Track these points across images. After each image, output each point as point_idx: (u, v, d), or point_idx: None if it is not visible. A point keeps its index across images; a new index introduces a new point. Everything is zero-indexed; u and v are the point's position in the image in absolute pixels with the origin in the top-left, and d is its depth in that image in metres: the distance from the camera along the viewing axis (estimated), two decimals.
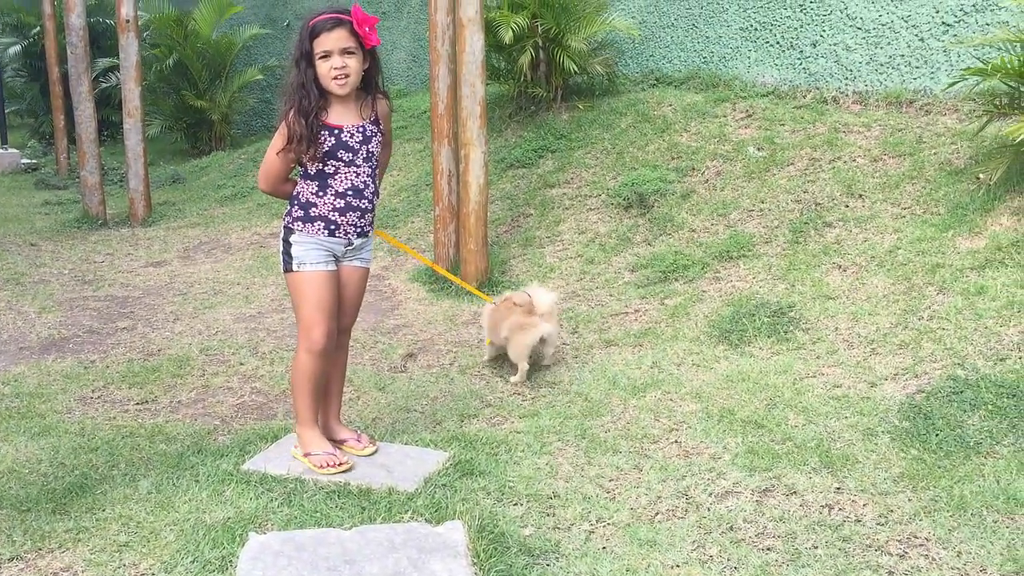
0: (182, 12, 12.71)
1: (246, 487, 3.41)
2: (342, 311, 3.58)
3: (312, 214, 3.42)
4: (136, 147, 8.87)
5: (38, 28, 13.50)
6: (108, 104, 12.95)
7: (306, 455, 3.54)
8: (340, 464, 3.49)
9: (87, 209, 8.99)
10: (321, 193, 3.40)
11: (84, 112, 8.85)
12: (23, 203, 10.32)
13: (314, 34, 3.29)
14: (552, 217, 7.04)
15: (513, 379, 4.69)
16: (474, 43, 5.93)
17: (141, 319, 5.93)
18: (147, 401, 4.54)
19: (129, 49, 8.67)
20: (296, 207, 3.44)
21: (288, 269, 3.46)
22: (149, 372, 4.90)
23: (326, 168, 3.38)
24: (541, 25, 8.03)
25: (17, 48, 14.41)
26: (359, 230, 3.50)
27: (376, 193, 3.54)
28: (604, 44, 8.70)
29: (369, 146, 3.44)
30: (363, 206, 3.47)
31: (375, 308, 6.07)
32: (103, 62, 12.59)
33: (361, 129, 3.41)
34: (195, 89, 12.36)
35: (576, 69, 8.04)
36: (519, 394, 4.53)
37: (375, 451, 3.67)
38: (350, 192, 3.41)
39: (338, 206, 3.41)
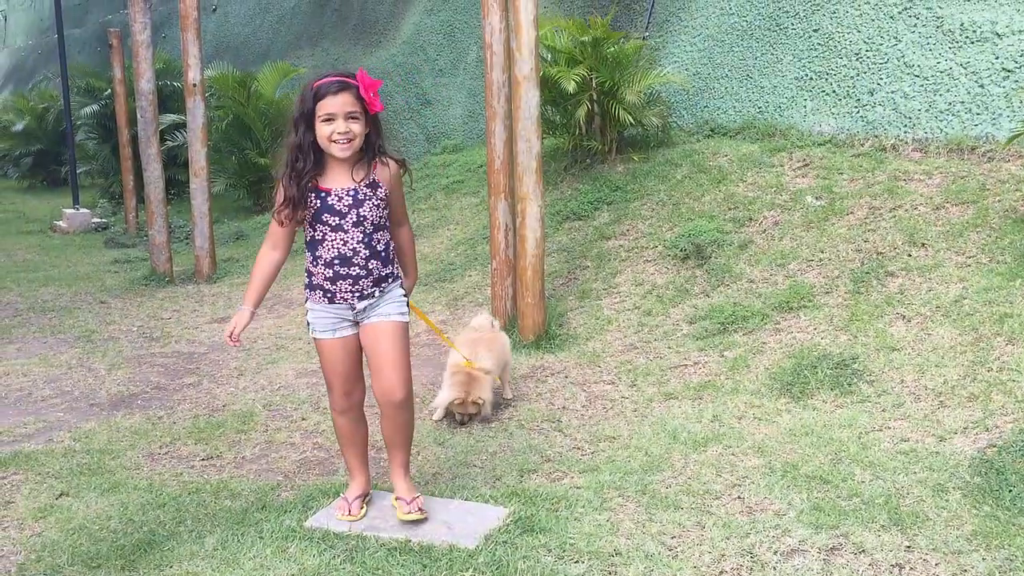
0: (245, 73, 13.12)
1: (309, 544, 3.44)
2: (376, 370, 3.50)
3: (313, 282, 3.50)
4: (202, 206, 9.11)
5: (108, 91, 14.01)
6: (174, 163, 13.35)
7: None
8: (348, 513, 3.64)
9: (155, 267, 9.23)
10: (315, 262, 3.45)
11: (153, 173, 9.13)
12: (93, 261, 10.64)
13: (318, 96, 3.28)
14: (609, 269, 7.05)
15: (510, 395, 5.25)
16: (529, 100, 6.01)
17: (206, 375, 6.05)
18: (212, 457, 4.61)
19: (196, 112, 8.95)
20: (305, 275, 3.55)
21: (311, 334, 3.61)
22: (214, 428, 4.99)
23: (315, 234, 3.41)
24: (596, 79, 8.12)
25: (91, 111, 14.97)
26: (358, 294, 3.45)
27: (378, 255, 3.44)
28: (658, 96, 8.76)
29: (360, 209, 3.36)
30: (354, 273, 3.41)
31: (433, 362, 6.11)
32: (169, 118, 13.00)
33: (351, 192, 3.36)
34: (257, 147, 12.69)
35: (631, 121, 8.11)
36: (578, 448, 4.51)
37: (417, 519, 3.57)
38: (336, 261, 3.40)
39: (328, 275, 3.43)
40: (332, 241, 3.39)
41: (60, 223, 13.39)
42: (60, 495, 4.10)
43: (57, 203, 15.72)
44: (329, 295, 3.47)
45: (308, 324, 3.58)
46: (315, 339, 3.56)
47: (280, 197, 3.38)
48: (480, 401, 4.81)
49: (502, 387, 5.24)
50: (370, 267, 3.44)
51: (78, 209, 13.74)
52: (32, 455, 4.59)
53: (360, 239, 3.40)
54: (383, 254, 3.49)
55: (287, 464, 4.50)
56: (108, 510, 3.91)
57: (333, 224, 3.38)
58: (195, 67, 8.87)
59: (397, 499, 3.68)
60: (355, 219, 3.38)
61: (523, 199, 6.12)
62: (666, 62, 9.15)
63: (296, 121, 3.35)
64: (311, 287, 3.52)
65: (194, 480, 4.29)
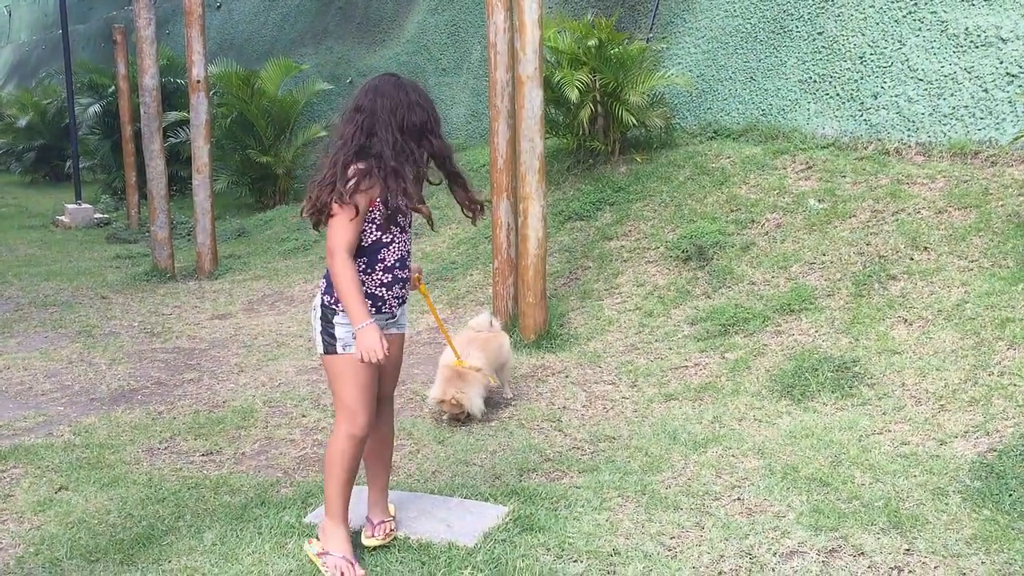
0: (249, 71, 13.12)
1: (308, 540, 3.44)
2: (384, 379, 3.38)
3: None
4: (204, 202, 9.12)
5: (113, 88, 14.01)
6: (177, 159, 13.35)
7: (322, 554, 3.25)
8: (354, 575, 3.18)
9: (156, 263, 9.24)
10: (370, 270, 3.17)
11: (155, 169, 9.14)
12: (95, 257, 10.64)
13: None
14: (610, 270, 7.04)
15: (509, 394, 5.26)
16: (533, 99, 6.01)
17: (207, 371, 6.05)
18: (212, 452, 4.61)
19: (199, 108, 8.96)
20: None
21: (330, 351, 3.18)
22: (214, 423, 4.99)
23: (384, 237, 3.17)
24: (600, 80, 8.12)
25: (95, 108, 14.98)
26: (401, 299, 3.33)
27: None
28: (661, 98, 8.75)
29: (411, 213, 3.28)
30: (404, 276, 3.29)
31: (434, 360, 6.10)
32: (172, 116, 13.00)
33: None
34: (260, 145, 12.69)
35: (634, 122, 8.11)
36: (578, 448, 4.51)
37: (379, 544, 3.40)
38: (397, 265, 3.22)
39: (385, 280, 3.21)
40: (399, 243, 3.22)
41: (62, 218, 13.39)
42: (59, 489, 4.10)
43: (59, 198, 15.73)
44: (379, 304, 3.23)
45: (333, 341, 3.17)
46: (345, 355, 3.16)
47: (363, 201, 3.06)
48: (455, 401, 4.74)
49: (501, 387, 5.21)
50: (412, 268, 3.39)
51: (80, 204, 13.74)
52: (32, 449, 4.59)
53: (409, 239, 3.32)
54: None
55: (287, 460, 4.50)
56: (107, 504, 3.91)
57: (402, 225, 3.22)
58: (199, 63, 8.88)
59: (380, 522, 3.48)
60: (410, 221, 3.29)
61: (525, 199, 6.12)
62: (670, 64, 9.15)
63: (413, 129, 3.15)
64: None
65: (193, 475, 4.29)
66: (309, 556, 3.31)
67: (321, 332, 3.22)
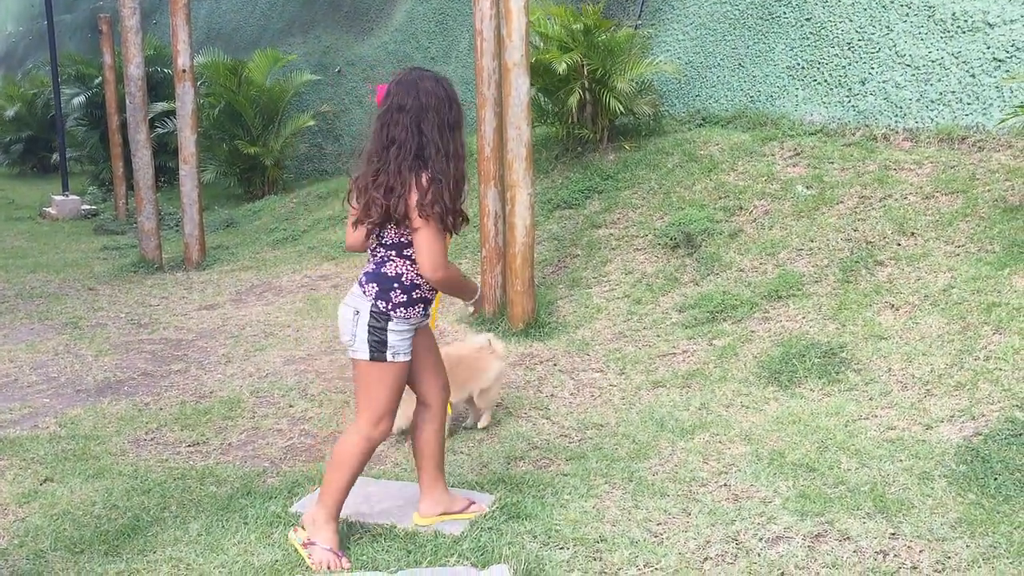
0: (236, 60, 13.05)
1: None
2: (436, 369, 3.42)
3: (415, 296, 3.17)
4: (191, 193, 9.07)
5: (99, 78, 13.93)
6: (164, 150, 13.29)
7: (308, 544, 3.22)
8: (340, 567, 3.16)
9: (144, 254, 9.19)
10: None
11: (142, 159, 9.08)
12: (82, 248, 10.59)
13: None
14: (599, 258, 7.04)
15: (483, 424, 4.62)
16: (519, 86, 5.99)
17: (194, 362, 6.03)
18: (198, 443, 4.60)
19: (185, 98, 8.90)
20: (399, 291, 3.13)
21: (379, 358, 3.14)
22: (201, 414, 4.97)
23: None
24: (588, 67, 8.09)
25: (81, 99, 14.89)
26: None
27: None
28: (649, 85, 8.73)
29: None
30: None
31: None
32: (159, 106, 12.93)
33: None
34: (248, 135, 12.63)
35: (622, 110, 8.08)
36: (566, 436, 4.51)
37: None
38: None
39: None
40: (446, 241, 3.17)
41: (49, 210, 13.33)
42: (44, 481, 4.08)
43: (47, 189, 15.65)
44: (427, 306, 3.25)
45: (383, 348, 3.14)
46: (394, 363, 3.16)
47: (440, 209, 3.04)
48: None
49: (474, 412, 4.70)
50: None
51: (67, 196, 13.68)
52: (17, 441, 4.57)
53: None
54: None
55: (273, 450, 4.49)
56: (92, 496, 3.90)
57: (448, 226, 3.15)
58: (184, 52, 8.82)
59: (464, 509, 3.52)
60: None
61: (513, 187, 6.10)
62: (658, 51, 9.12)
63: (453, 127, 3.13)
64: (412, 303, 3.17)
65: (179, 466, 4.27)
66: (294, 545, 3.29)
67: (368, 338, 3.13)
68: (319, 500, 3.28)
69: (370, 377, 3.18)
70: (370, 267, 3.20)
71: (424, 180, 3.03)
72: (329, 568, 3.14)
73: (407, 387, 3.35)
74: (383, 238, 3.15)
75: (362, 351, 3.15)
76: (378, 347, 3.14)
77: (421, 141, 3.06)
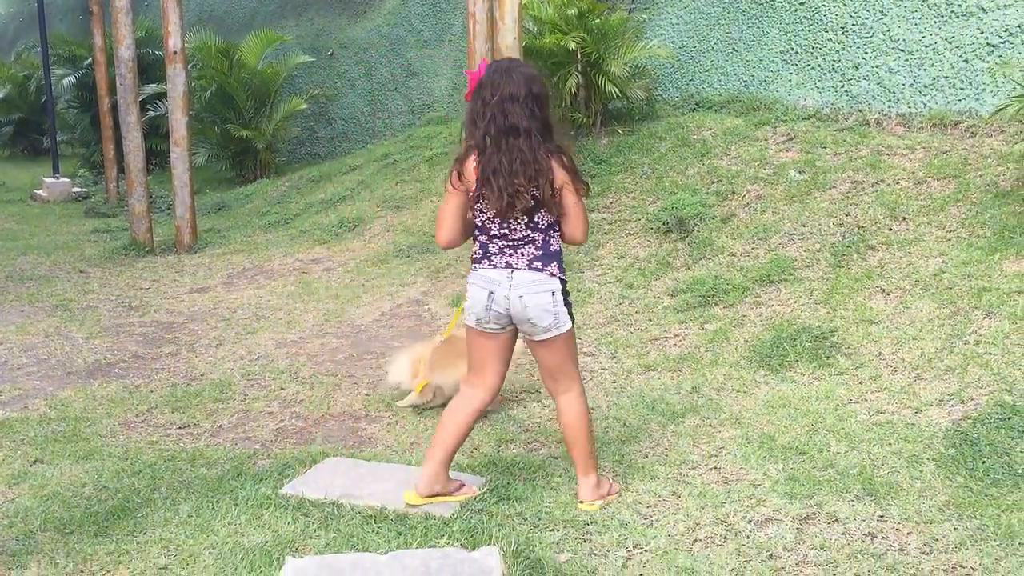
0: (228, 43, 12.97)
1: (284, 511, 3.44)
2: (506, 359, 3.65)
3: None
4: (183, 175, 9.03)
5: (89, 60, 13.84)
6: (156, 133, 13.23)
7: (607, 495, 3.56)
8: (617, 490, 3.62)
9: (135, 236, 9.16)
10: None
11: (132, 142, 9.04)
12: (73, 231, 10.54)
13: None
14: (591, 242, 7.03)
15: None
16: None
17: (185, 344, 6.02)
18: (189, 425, 4.59)
19: (176, 80, 8.85)
20: (561, 262, 3.43)
21: (572, 321, 3.47)
22: (191, 396, 4.96)
23: None
24: (582, 50, 8.07)
25: (71, 79, 14.78)
26: None
27: None
28: (643, 69, 8.71)
29: None
30: None
31: (415, 333, 6.09)
32: (150, 88, 12.86)
33: None
34: (240, 118, 12.57)
35: (616, 94, 8.06)
36: (557, 419, 4.50)
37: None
38: None
39: None
40: None
41: (40, 192, 13.26)
42: (34, 462, 4.08)
43: (37, 172, 15.57)
44: None
45: (571, 312, 3.46)
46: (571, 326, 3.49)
47: (584, 180, 3.43)
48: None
49: (431, 399, 4.68)
50: None
51: (58, 178, 13.61)
52: (6, 422, 4.56)
53: None
54: None
55: (264, 433, 4.49)
56: (82, 477, 3.89)
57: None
58: (175, 33, 8.77)
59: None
60: None
61: None
62: (652, 35, 9.09)
63: (550, 104, 3.39)
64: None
65: (170, 448, 4.27)
66: (594, 509, 3.47)
67: (567, 310, 3.42)
68: (588, 472, 3.54)
69: (571, 342, 3.48)
70: (531, 250, 3.36)
71: (564, 159, 3.31)
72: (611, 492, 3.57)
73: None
74: (537, 223, 3.35)
75: (565, 323, 3.42)
76: (570, 313, 3.45)
77: (543, 124, 3.28)
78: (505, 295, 3.35)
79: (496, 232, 3.37)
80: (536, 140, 3.24)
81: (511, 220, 3.33)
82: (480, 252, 3.44)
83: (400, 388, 4.75)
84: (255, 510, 3.46)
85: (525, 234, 3.35)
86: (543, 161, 3.23)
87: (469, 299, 3.46)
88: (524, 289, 3.34)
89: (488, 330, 3.45)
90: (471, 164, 3.31)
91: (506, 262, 3.36)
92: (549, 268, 3.37)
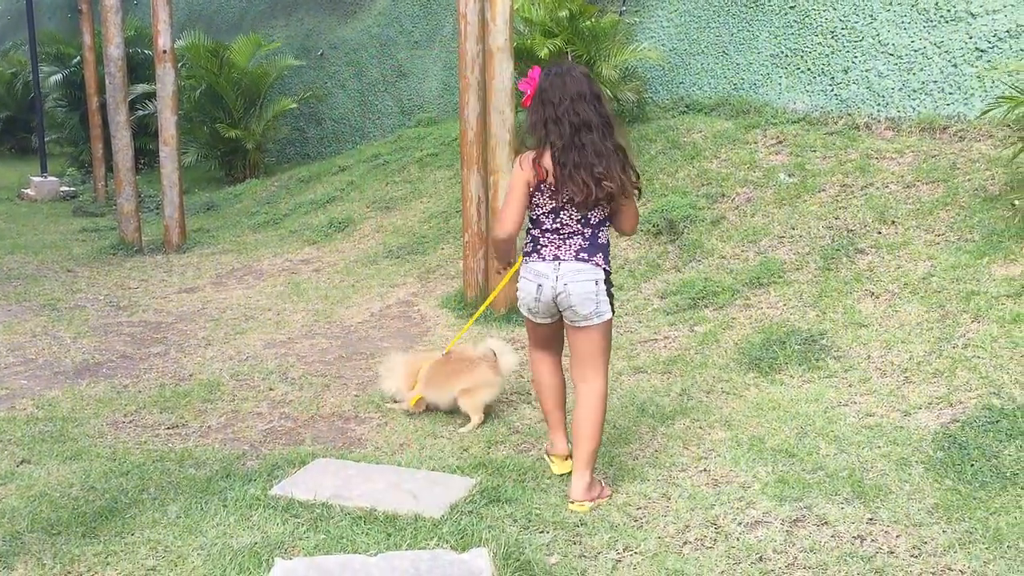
0: (217, 42, 12.92)
1: (273, 512, 3.43)
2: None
3: None
4: (171, 175, 9.00)
5: (78, 58, 13.78)
6: (145, 132, 13.17)
7: (597, 497, 3.58)
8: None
9: (123, 236, 9.11)
10: None
11: (121, 141, 9.00)
12: (61, 230, 10.49)
13: None
14: None
15: (465, 429, 4.44)
16: (503, 71, 5.96)
17: (173, 344, 5.99)
18: (177, 426, 4.57)
19: (166, 79, 8.82)
20: (607, 254, 3.62)
21: (612, 311, 3.62)
22: (180, 397, 4.94)
23: None
24: (572, 52, 8.07)
25: (59, 78, 14.70)
26: None
27: None
28: (634, 71, 8.72)
29: None
30: None
31: (404, 334, 6.08)
32: (139, 88, 12.80)
33: None
34: (229, 118, 12.53)
35: (607, 96, 8.06)
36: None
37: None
38: None
39: None
40: None
41: (28, 191, 13.19)
42: (21, 462, 4.05)
43: (25, 171, 15.47)
44: None
45: (612, 302, 3.64)
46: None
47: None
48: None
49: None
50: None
51: (46, 177, 13.53)
52: None
53: None
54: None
55: (253, 433, 4.47)
56: (70, 477, 3.87)
57: None
58: (165, 33, 8.73)
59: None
60: None
61: (496, 172, 6.08)
62: (642, 37, 9.11)
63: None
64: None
65: (158, 448, 4.25)
66: (584, 511, 3.48)
67: (608, 300, 3.58)
68: (585, 470, 3.55)
69: (607, 333, 3.61)
70: (579, 241, 3.54)
71: (630, 159, 3.53)
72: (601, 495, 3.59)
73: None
74: (589, 219, 3.53)
75: (606, 312, 3.57)
76: (611, 303, 3.60)
77: (607, 119, 3.48)
78: (552, 286, 3.54)
79: (549, 227, 3.56)
80: (605, 133, 3.46)
81: (565, 215, 3.52)
82: (531, 245, 3.62)
83: (394, 398, 4.73)
84: (244, 511, 3.45)
85: (576, 228, 3.54)
86: (611, 159, 3.44)
87: (520, 291, 3.67)
88: (569, 278, 3.51)
89: (540, 321, 3.70)
90: (547, 159, 3.48)
91: (554, 254, 3.55)
92: (595, 259, 3.54)
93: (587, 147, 3.42)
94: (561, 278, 3.51)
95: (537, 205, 3.57)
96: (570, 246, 3.53)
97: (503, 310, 6.16)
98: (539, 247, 3.58)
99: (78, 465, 4.00)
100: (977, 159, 6.16)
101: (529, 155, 3.52)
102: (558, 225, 3.54)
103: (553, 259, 3.54)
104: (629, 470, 3.84)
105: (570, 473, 3.67)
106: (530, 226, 3.64)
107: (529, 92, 3.58)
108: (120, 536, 3.32)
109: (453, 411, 4.62)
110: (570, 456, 3.79)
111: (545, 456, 3.98)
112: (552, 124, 3.45)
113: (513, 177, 3.57)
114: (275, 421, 4.64)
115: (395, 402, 4.73)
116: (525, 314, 3.72)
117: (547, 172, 3.47)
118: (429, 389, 4.58)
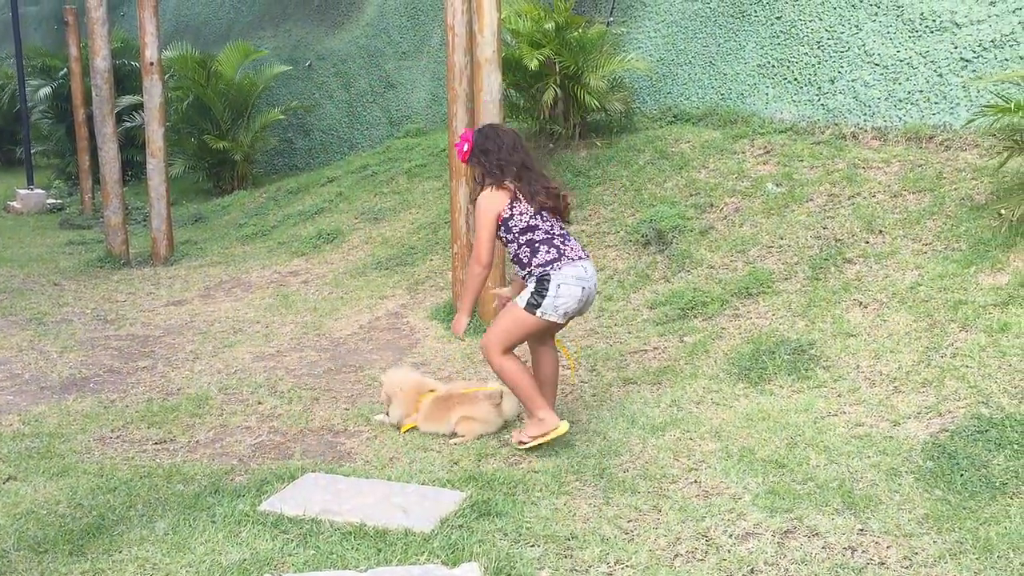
0: (205, 54, 12.90)
1: (262, 528, 3.40)
2: None
3: None
4: (159, 187, 8.97)
5: (64, 70, 13.73)
6: (132, 144, 13.12)
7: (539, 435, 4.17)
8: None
9: (110, 248, 9.07)
10: None
11: (108, 153, 8.97)
12: (48, 243, 10.44)
13: None
14: None
15: (455, 442, 4.44)
16: (491, 83, 5.97)
17: (161, 358, 5.96)
18: (165, 441, 4.54)
19: (153, 91, 8.80)
20: None
21: None
22: (168, 411, 4.91)
23: None
24: (560, 63, 8.09)
25: (46, 90, 14.66)
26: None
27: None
28: (621, 82, 8.74)
29: None
30: None
31: (393, 346, 6.07)
32: (126, 99, 12.77)
33: None
34: (217, 129, 12.51)
35: (595, 106, 8.08)
36: (534, 412, 4.49)
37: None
38: None
39: None
40: None
41: (14, 203, 13.12)
42: (7, 479, 4.02)
43: (11, 183, 15.41)
44: None
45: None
46: None
47: None
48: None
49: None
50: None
51: (32, 189, 13.47)
52: None
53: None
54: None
55: (242, 448, 4.45)
56: (57, 494, 3.84)
57: None
58: (152, 45, 8.71)
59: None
60: None
61: None
62: (630, 48, 9.13)
63: None
64: None
65: (146, 464, 4.22)
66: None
67: None
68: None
69: None
70: (574, 240, 4.28)
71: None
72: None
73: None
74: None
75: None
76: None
77: (534, 160, 4.33)
78: (592, 287, 4.16)
79: (548, 228, 4.17)
80: (537, 171, 4.25)
81: (547, 222, 4.18)
82: (554, 252, 4.11)
83: (397, 424, 4.65)
84: (233, 527, 3.43)
85: (566, 230, 4.26)
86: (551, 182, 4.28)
87: (562, 297, 4.06)
88: (586, 266, 4.16)
89: (563, 321, 4.17)
90: (507, 187, 4.17)
91: (578, 254, 4.16)
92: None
93: (534, 174, 4.20)
94: (593, 277, 4.17)
95: (519, 223, 4.14)
96: (575, 245, 4.20)
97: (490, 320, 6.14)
98: (561, 247, 4.13)
99: (65, 482, 3.97)
100: (963, 168, 6.19)
101: (488, 188, 4.17)
102: (550, 224, 4.18)
103: (579, 258, 4.13)
104: (619, 482, 3.83)
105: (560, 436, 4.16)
106: (529, 233, 4.14)
107: (467, 149, 4.26)
108: (107, 554, 3.29)
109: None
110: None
111: (538, 441, 4.18)
112: (502, 165, 4.17)
113: (481, 214, 4.16)
114: (264, 435, 4.61)
115: (386, 414, 4.71)
116: (557, 319, 4.12)
117: (514, 189, 4.14)
118: (427, 423, 4.53)
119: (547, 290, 4.06)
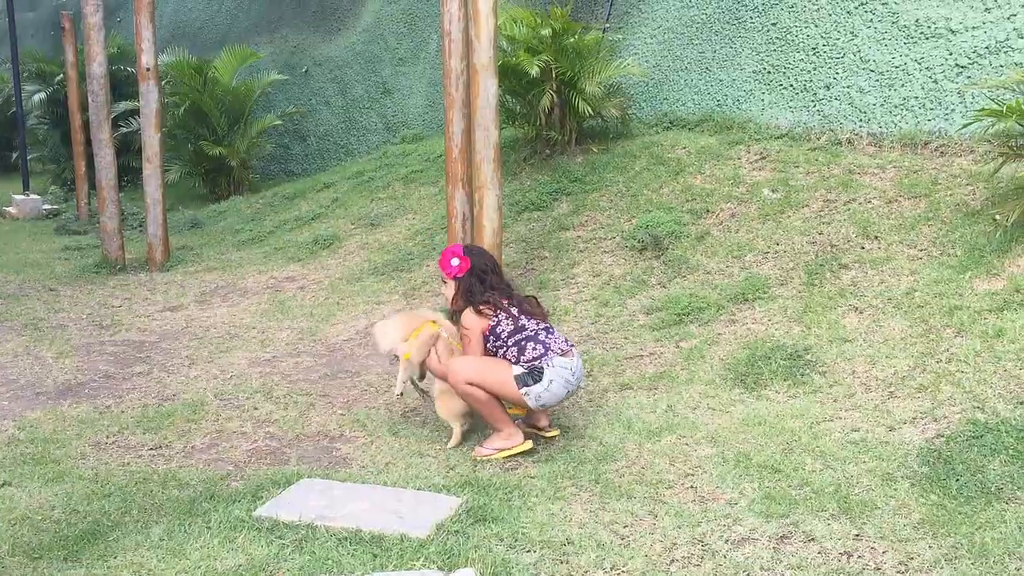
0: (201, 59, 12.91)
1: (258, 534, 3.40)
2: None
3: None
4: (155, 193, 8.96)
5: (60, 76, 13.73)
6: (128, 150, 13.13)
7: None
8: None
9: (106, 254, 9.07)
10: None
11: (104, 158, 8.96)
12: (43, 248, 10.43)
13: None
14: (567, 260, 7.04)
15: (450, 445, 4.45)
16: (488, 88, 5.98)
17: (157, 364, 5.95)
18: (161, 446, 4.54)
19: (149, 97, 8.80)
20: None
21: None
22: (163, 417, 4.91)
23: None
24: (556, 69, 8.10)
25: (42, 96, 14.66)
26: None
27: None
28: (618, 88, 8.76)
29: None
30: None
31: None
32: (122, 105, 12.77)
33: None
34: (213, 135, 12.51)
35: (591, 112, 8.10)
36: (532, 438, 4.50)
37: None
38: None
39: None
40: None
41: (10, 209, 13.12)
42: (2, 485, 4.01)
43: (7, 189, 15.39)
44: None
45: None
46: None
47: None
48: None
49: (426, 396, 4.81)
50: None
51: (28, 195, 13.47)
52: None
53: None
54: None
55: (237, 454, 4.44)
56: (52, 500, 3.83)
57: None
58: (148, 51, 8.72)
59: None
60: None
61: (480, 188, 6.08)
62: (626, 54, 9.15)
63: None
64: None
65: (141, 470, 4.21)
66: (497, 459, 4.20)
67: None
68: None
69: None
70: (558, 334, 4.39)
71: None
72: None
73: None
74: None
75: None
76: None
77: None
78: (575, 387, 4.30)
79: (535, 326, 4.31)
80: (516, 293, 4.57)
81: (531, 322, 4.33)
82: (538, 346, 4.20)
83: (392, 354, 4.60)
84: (228, 533, 3.42)
85: (549, 326, 4.41)
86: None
87: (550, 392, 4.15)
88: (582, 372, 4.39)
89: (534, 408, 4.31)
90: (487, 306, 4.36)
91: (562, 348, 4.25)
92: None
93: (516, 297, 4.47)
94: (580, 377, 4.30)
95: (507, 328, 4.28)
96: (559, 337, 4.32)
97: None
98: (547, 342, 4.23)
99: (60, 487, 3.96)
100: (958, 174, 6.21)
101: (469, 310, 4.33)
102: (535, 323, 4.35)
103: (564, 352, 4.23)
104: (615, 487, 3.83)
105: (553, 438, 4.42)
106: (516, 334, 4.25)
107: (458, 264, 4.42)
108: (103, 560, 3.29)
109: (438, 426, 4.61)
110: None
111: (502, 454, 4.27)
112: (492, 288, 4.41)
113: (471, 332, 4.31)
114: (260, 441, 4.61)
115: (401, 395, 4.63)
116: (531, 404, 4.22)
117: (494, 306, 4.33)
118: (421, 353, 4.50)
119: (542, 379, 4.15)
